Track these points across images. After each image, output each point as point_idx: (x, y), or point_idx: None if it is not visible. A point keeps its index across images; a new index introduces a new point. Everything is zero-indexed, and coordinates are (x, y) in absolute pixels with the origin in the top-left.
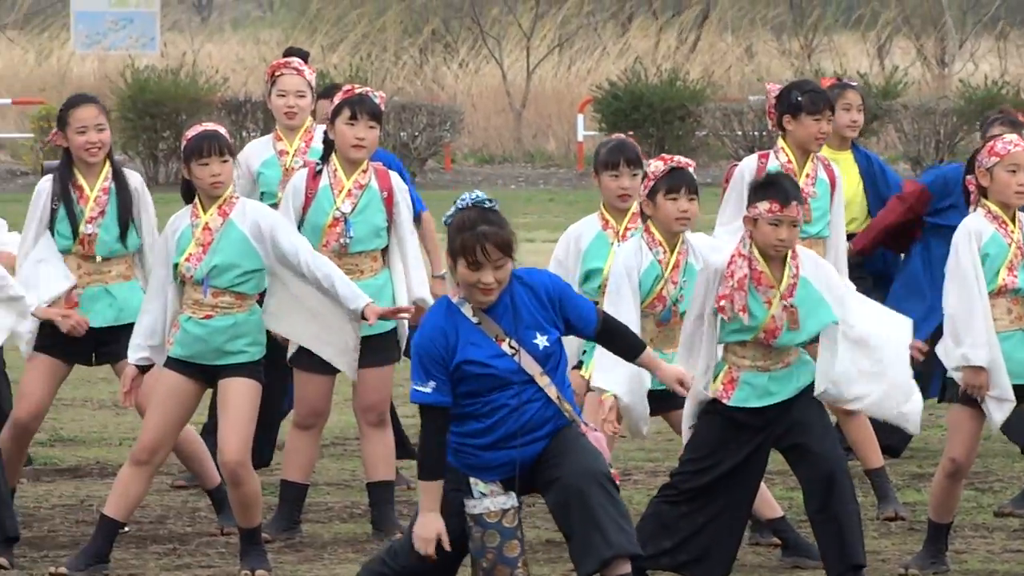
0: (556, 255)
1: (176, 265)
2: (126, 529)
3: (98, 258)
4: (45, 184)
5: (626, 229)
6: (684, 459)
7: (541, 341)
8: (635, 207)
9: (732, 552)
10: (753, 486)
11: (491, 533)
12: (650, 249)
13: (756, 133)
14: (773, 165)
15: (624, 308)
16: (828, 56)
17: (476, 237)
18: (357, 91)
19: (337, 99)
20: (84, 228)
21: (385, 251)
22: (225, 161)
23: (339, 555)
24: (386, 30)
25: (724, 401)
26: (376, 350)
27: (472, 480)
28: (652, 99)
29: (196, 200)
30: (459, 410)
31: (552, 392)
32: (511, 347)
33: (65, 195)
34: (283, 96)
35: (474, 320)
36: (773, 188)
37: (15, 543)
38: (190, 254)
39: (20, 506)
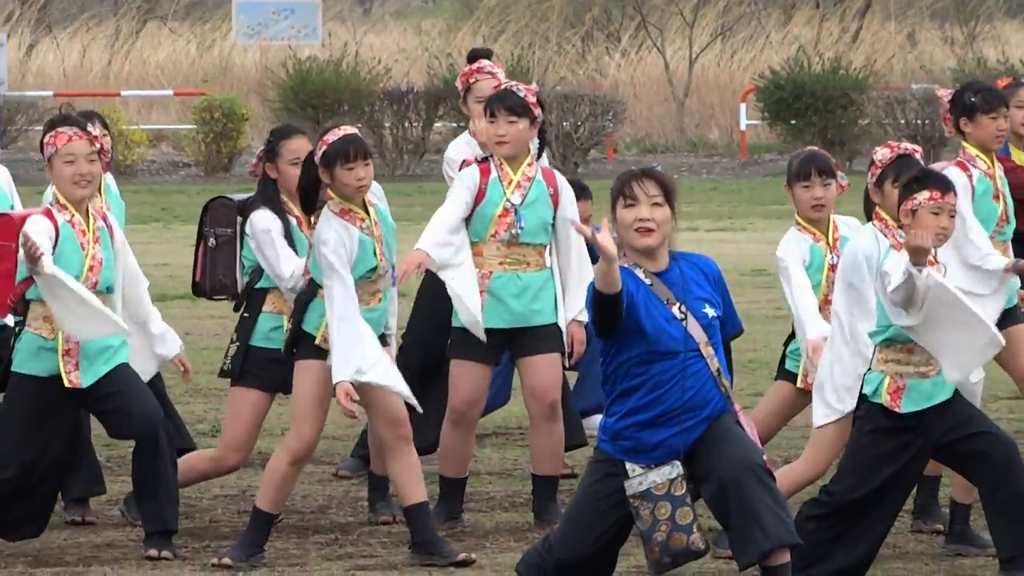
0: (794, 281)
1: (372, 269)
2: (280, 518)
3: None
4: (272, 222)
5: (835, 240)
6: (842, 473)
7: (709, 311)
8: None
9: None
10: (907, 494)
11: (662, 505)
12: (885, 236)
13: (918, 121)
14: (979, 177)
15: (867, 295)
16: (990, 44)
17: (633, 175)
18: (503, 87)
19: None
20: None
21: (548, 249)
22: (368, 164)
23: (500, 544)
24: (548, 19)
25: (895, 410)
26: (542, 338)
27: (629, 466)
28: (815, 88)
29: (342, 206)
30: (622, 383)
31: (714, 364)
32: (680, 312)
33: (287, 226)
34: (482, 101)
35: (647, 282)
36: (931, 179)
37: (173, 535)
38: (382, 255)
39: (182, 496)
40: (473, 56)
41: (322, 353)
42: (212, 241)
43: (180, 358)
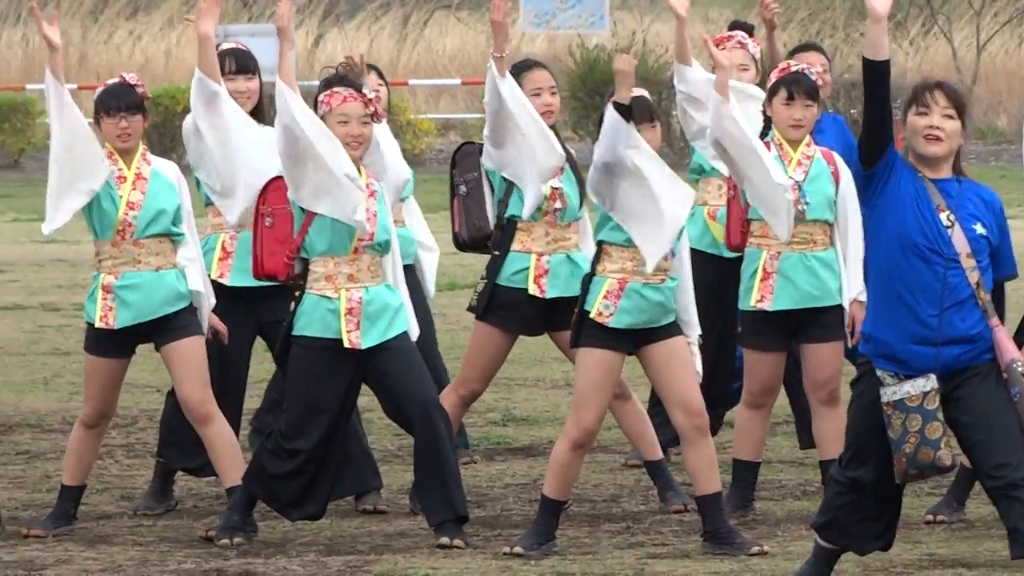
0: None
1: None
2: (568, 504)
3: (562, 223)
4: None
5: None
6: None
7: (978, 228)
8: None
9: None
10: None
11: (913, 416)
12: None
13: None
14: None
15: None
16: None
17: (927, 85)
18: (793, 69)
19: (774, 77)
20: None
21: (833, 227)
22: (655, 125)
23: (792, 532)
24: (835, 8)
25: None
26: (827, 324)
27: (880, 373)
28: None
29: None
30: (877, 275)
31: (973, 276)
32: (948, 220)
33: None
34: None
35: (923, 182)
36: None
37: (464, 523)
38: None
39: (473, 485)
40: (732, 26)
41: (604, 340)
42: (463, 189)
43: None
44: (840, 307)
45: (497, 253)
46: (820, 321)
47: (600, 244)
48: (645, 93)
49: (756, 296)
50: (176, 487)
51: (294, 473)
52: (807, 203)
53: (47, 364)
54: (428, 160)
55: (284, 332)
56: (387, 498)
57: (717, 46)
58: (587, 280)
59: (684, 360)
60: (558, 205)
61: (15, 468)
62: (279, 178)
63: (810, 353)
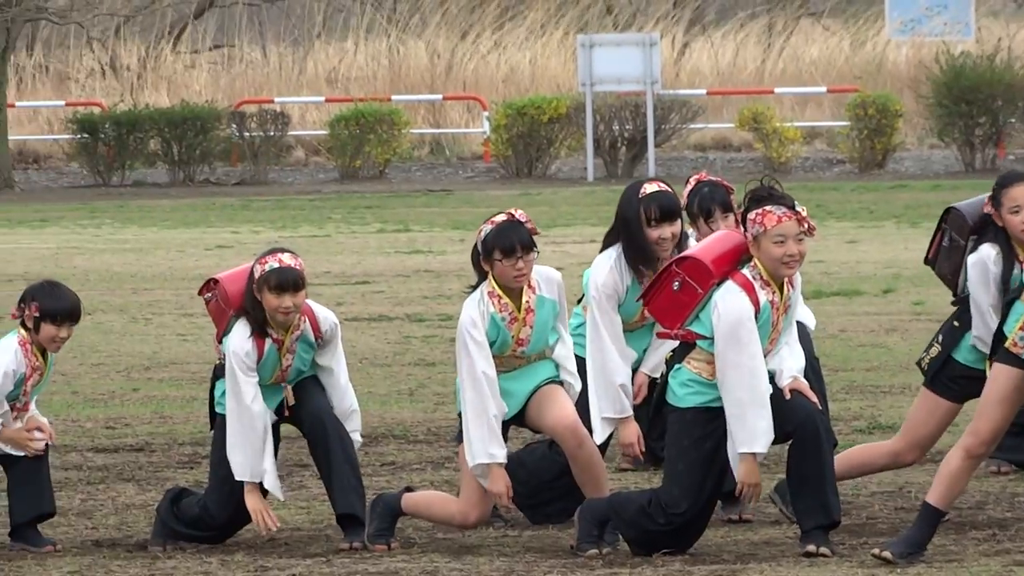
0: None
1: None
2: (947, 517)
3: None
4: (992, 263)
5: None
6: None
7: None
8: None
9: None
10: None
11: None
12: None
13: None
14: None
15: None
16: None
17: None
18: None
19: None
20: None
21: None
22: None
23: None
24: None
25: None
26: None
27: None
28: None
29: None
30: None
31: None
32: None
33: (1008, 269)
34: None
35: None
36: None
37: (836, 527)
38: None
39: (839, 493)
40: None
41: (1020, 362)
42: (946, 241)
43: None
44: None
45: (957, 324)
46: None
47: None
48: None
49: None
50: None
51: (674, 532)
52: None
53: (412, 375)
54: (793, 168)
55: (656, 401)
56: (751, 507)
57: None
58: (1009, 301)
59: None
60: None
61: (380, 479)
62: (700, 260)
63: None
